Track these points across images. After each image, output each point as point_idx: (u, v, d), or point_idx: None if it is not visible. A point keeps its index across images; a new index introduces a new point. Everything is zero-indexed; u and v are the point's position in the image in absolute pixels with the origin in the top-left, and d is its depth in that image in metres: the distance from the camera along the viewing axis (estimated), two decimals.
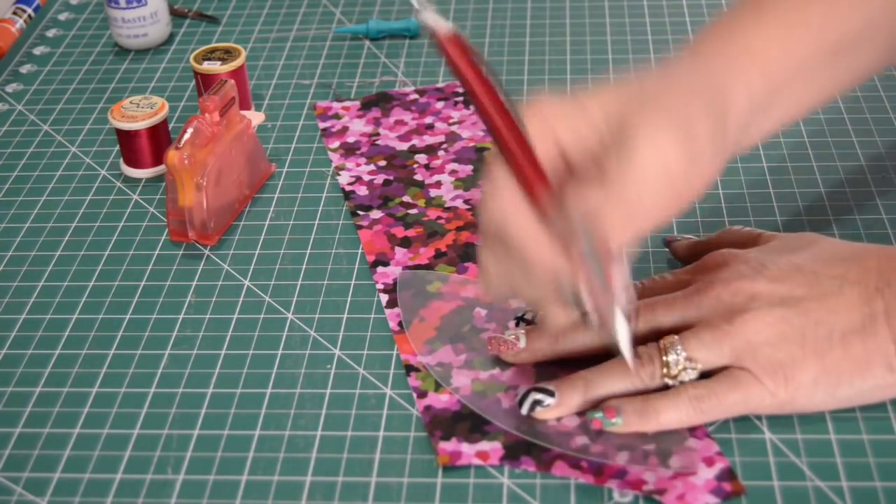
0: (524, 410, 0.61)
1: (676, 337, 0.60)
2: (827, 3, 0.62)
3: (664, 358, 0.60)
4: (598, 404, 0.61)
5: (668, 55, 0.61)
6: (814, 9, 0.62)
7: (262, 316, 0.71)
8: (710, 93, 0.57)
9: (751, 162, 0.81)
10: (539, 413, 0.61)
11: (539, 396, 0.61)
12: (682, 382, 0.60)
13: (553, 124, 0.56)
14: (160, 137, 0.84)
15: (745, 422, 0.61)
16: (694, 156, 0.55)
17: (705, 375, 0.60)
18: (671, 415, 0.59)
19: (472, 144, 0.85)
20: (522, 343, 0.64)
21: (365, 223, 0.78)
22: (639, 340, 0.61)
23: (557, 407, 0.61)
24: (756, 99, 0.59)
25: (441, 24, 0.52)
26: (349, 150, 0.86)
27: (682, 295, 0.62)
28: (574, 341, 0.63)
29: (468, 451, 0.60)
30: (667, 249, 0.72)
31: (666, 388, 0.60)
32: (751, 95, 0.59)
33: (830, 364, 0.59)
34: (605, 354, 0.61)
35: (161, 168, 0.84)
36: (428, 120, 0.88)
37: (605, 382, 0.60)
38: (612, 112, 0.56)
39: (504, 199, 0.55)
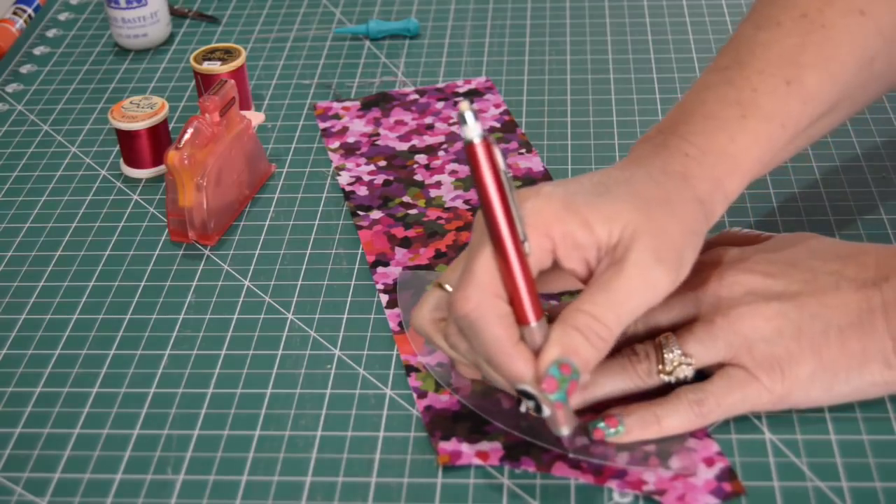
0: (523, 408, 0.61)
1: (672, 333, 0.60)
2: (804, 89, 0.63)
3: (661, 355, 0.60)
4: (597, 407, 0.61)
5: (655, 139, 0.63)
6: (792, 99, 0.63)
7: (262, 316, 0.71)
8: (701, 210, 0.60)
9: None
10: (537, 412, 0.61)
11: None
12: (678, 379, 0.60)
13: (551, 234, 0.57)
14: (160, 137, 0.84)
15: (745, 422, 0.61)
16: (681, 276, 0.58)
17: (700, 378, 0.60)
18: (672, 420, 0.59)
19: None
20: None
21: (365, 223, 0.78)
22: (637, 339, 0.62)
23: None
24: (731, 200, 0.62)
25: (475, 129, 0.55)
26: (349, 151, 0.86)
27: (678, 292, 0.62)
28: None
29: (468, 451, 0.60)
30: None
31: (665, 387, 0.60)
32: (727, 200, 0.62)
33: (827, 359, 0.59)
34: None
35: (161, 168, 0.84)
36: (428, 120, 0.88)
37: (603, 381, 0.60)
38: (614, 230, 0.57)
39: (486, 294, 0.56)
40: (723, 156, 0.61)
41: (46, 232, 0.80)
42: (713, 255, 0.64)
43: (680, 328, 0.61)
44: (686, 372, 0.60)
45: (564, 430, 0.58)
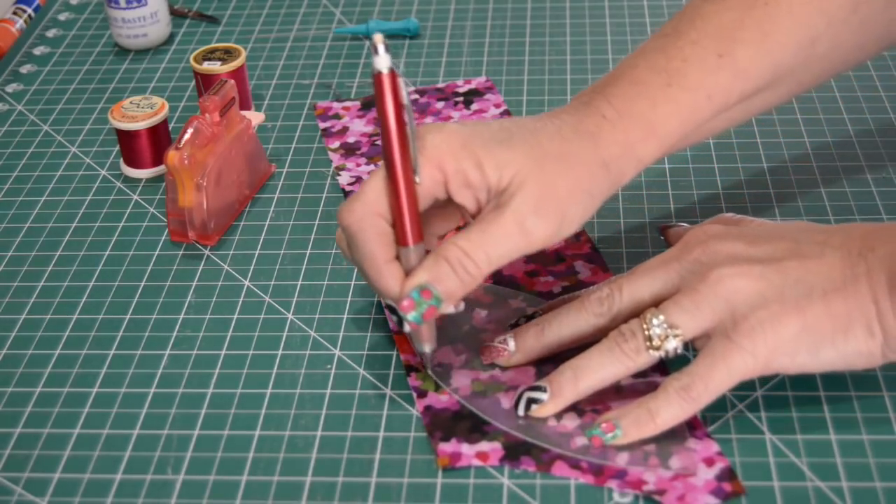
0: (521, 411, 0.61)
1: (655, 308, 0.60)
2: (735, 64, 0.64)
3: (646, 331, 0.59)
4: (596, 406, 0.61)
5: (579, 95, 0.66)
6: (723, 72, 0.64)
7: (262, 316, 0.71)
8: (604, 171, 0.62)
9: (751, 162, 0.81)
10: (536, 411, 0.61)
11: (533, 395, 0.61)
12: (668, 353, 0.59)
13: (444, 167, 0.61)
14: (160, 137, 0.84)
15: (745, 422, 0.61)
16: (562, 231, 0.61)
17: (680, 362, 0.60)
18: (666, 413, 0.59)
19: None
20: (511, 346, 0.64)
21: None
22: (623, 314, 0.61)
23: (553, 400, 0.61)
24: (645, 165, 0.64)
25: (385, 61, 0.59)
26: (349, 151, 0.86)
27: (661, 261, 0.62)
28: (560, 330, 0.63)
29: (468, 451, 0.60)
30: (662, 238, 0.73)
31: (655, 387, 0.60)
32: (640, 164, 0.64)
33: (811, 320, 0.57)
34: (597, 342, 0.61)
35: (161, 168, 0.84)
36: (428, 120, 0.88)
37: (593, 366, 0.60)
38: (504, 175, 0.60)
39: (368, 210, 0.61)
40: (640, 121, 0.63)
41: (46, 232, 0.80)
42: (697, 234, 0.63)
43: (664, 301, 0.60)
44: (674, 344, 0.59)
45: (426, 348, 0.63)
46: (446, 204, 0.63)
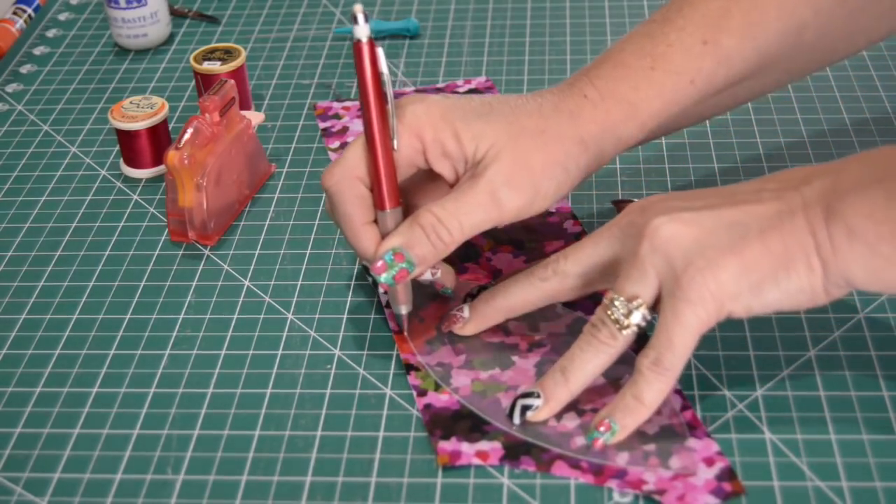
0: (516, 420, 0.61)
1: (610, 289, 0.59)
2: (720, 51, 0.65)
3: (611, 315, 0.59)
4: (593, 397, 0.62)
5: (564, 79, 0.68)
6: (707, 58, 0.65)
7: (262, 316, 0.71)
8: (581, 148, 0.64)
9: (751, 162, 0.81)
10: (534, 416, 0.61)
11: (526, 402, 0.61)
12: (640, 327, 0.59)
13: (422, 136, 0.63)
14: (160, 137, 0.84)
15: (745, 422, 0.61)
16: (535, 205, 0.64)
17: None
18: (649, 393, 0.58)
19: None
20: (466, 312, 0.66)
21: None
22: (570, 275, 0.62)
23: (547, 404, 0.61)
24: (627, 145, 0.66)
25: (364, 30, 0.61)
26: None
27: (603, 227, 0.62)
28: (509, 296, 0.64)
29: (468, 450, 0.60)
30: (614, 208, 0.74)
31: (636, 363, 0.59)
32: (620, 144, 0.66)
33: (750, 260, 0.56)
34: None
35: (161, 168, 0.84)
36: None
37: (578, 363, 0.60)
38: (480, 147, 0.63)
39: (348, 174, 0.64)
40: (622, 102, 0.65)
41: (46, 232, 0.80)
42: (640, 202, 0.62)
43: (616, 281, 0.60)
44: (640, 315, 0.58)
45: (402, 309, 0.66)
46: (435, 178, 0.66)
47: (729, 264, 0.56)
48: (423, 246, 0.63)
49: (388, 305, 0.70)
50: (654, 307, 0.59)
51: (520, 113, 0.64)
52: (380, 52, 0.62)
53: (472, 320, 0.66)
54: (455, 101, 0.65)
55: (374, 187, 0.64)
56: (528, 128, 0.64)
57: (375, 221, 0.64)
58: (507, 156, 0.63)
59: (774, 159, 0.82)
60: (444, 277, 0.68)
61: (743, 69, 0.67)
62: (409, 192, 0.67)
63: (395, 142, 0.63)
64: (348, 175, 0.64)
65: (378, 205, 0.64)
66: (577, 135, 0.64)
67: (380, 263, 0.63)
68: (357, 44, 0.62)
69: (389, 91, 0.63)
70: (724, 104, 0.70)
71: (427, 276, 0.66)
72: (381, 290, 0.63)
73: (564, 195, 0.65)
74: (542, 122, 0.64)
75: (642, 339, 0.60)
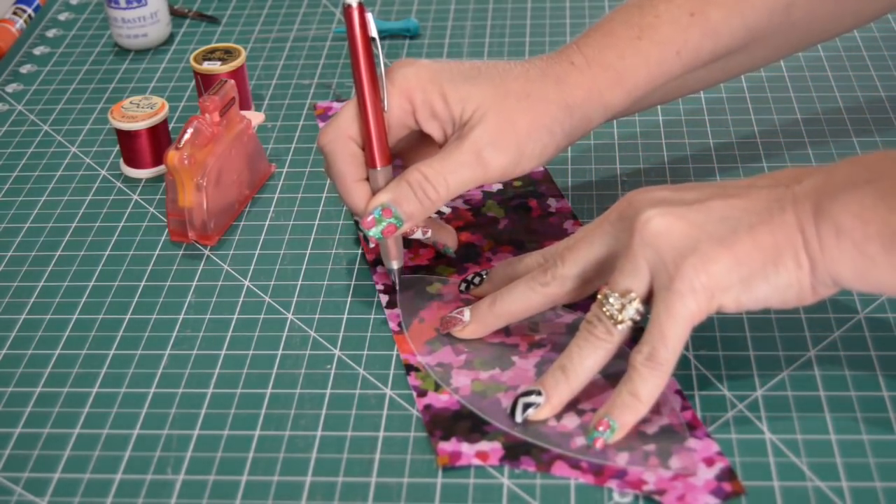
0: (518, 418, 0.61)
1: (604, 284, 0.60)
2: (707, 23, 0.68)
3: (606, 311, 0.59)
4: (593, 397, 0.62)
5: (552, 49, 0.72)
6: (694, 30, 0.68)
7: (262, 316, 0.71)
8: (566, 112, 0.67)
9: (750, 163, 0.81)
10: (536, 415, 0.61)
11: (528, 399, 0.61)
12: (635, 321, 0.59)
13: (412, 98, 0.66)
14: (160, 137, 0.84)
15: (745, 422, 0.61)
16: (520, 166, 0.66)
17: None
18: (644, 389, 0.58)
19: None
20: (466, 316, 0.66)
21: None
22: (568, 278, 0.62)
23: (549, 402, 0.61)
24: (613, 112, 0.69)
25: None
26: None
27: (594, 223, 0.62)
28: (511, 303, 0.64)
29: (468, 451, 0.60)
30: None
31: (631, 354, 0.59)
32: (607, 112, 0.68)
33: (741, 253, 0.56)
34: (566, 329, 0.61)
35: (161, 168, 0.84)
36: None
37: (577, 360, 0.60)
38: (467, 108, 0.66)
39: (340, 133, 0.67)
40: (608, 70, 0.67)
41: (46, 232, 0.80)
42: (628, 195, 0.62)
43: (610, 276, 0.60)
44: (634, 308, 0.59)
45: (393, 264, 0.69)
46: (427, 140, 0.68)
47: (720, 257, 0.57)
48: (410, 202, 0.65)
49: (374, 264, 0.73)
50: (649, 301, 0.59)
51: (507, 77, 0.67)
52: (369, 17, 0.65)
53: (471, 325, 0.66)
54: (444, 65, 0.67)
55: (366, 146, 0.67)
56: (514, 91, 0.66)
57: (367, 179, 0.67)
58: (493, 117, 0.65)
59: (774, 159, 0.82)
60: (445, 237, 0.71)
61: (730, 43, 0.69)
62: (402, 153, 0.70)
63: (385, 103, 0.66)
64: (341, 134, 0.67)
65: (369, 163, 0.67)
66: (563, 99, 0.67)
67: (369, 218, 0.66)
68: (348, 9, 0.65)
69: (380, 54, 0.66)
70: (714, 77, 0.72)
71: (418, 235, 0.70)
72: (372, 244, 0.69)
73: (549, 158, 0.67)
74: (529, 85, 0.66)
75: (638, 333, 0.60)
